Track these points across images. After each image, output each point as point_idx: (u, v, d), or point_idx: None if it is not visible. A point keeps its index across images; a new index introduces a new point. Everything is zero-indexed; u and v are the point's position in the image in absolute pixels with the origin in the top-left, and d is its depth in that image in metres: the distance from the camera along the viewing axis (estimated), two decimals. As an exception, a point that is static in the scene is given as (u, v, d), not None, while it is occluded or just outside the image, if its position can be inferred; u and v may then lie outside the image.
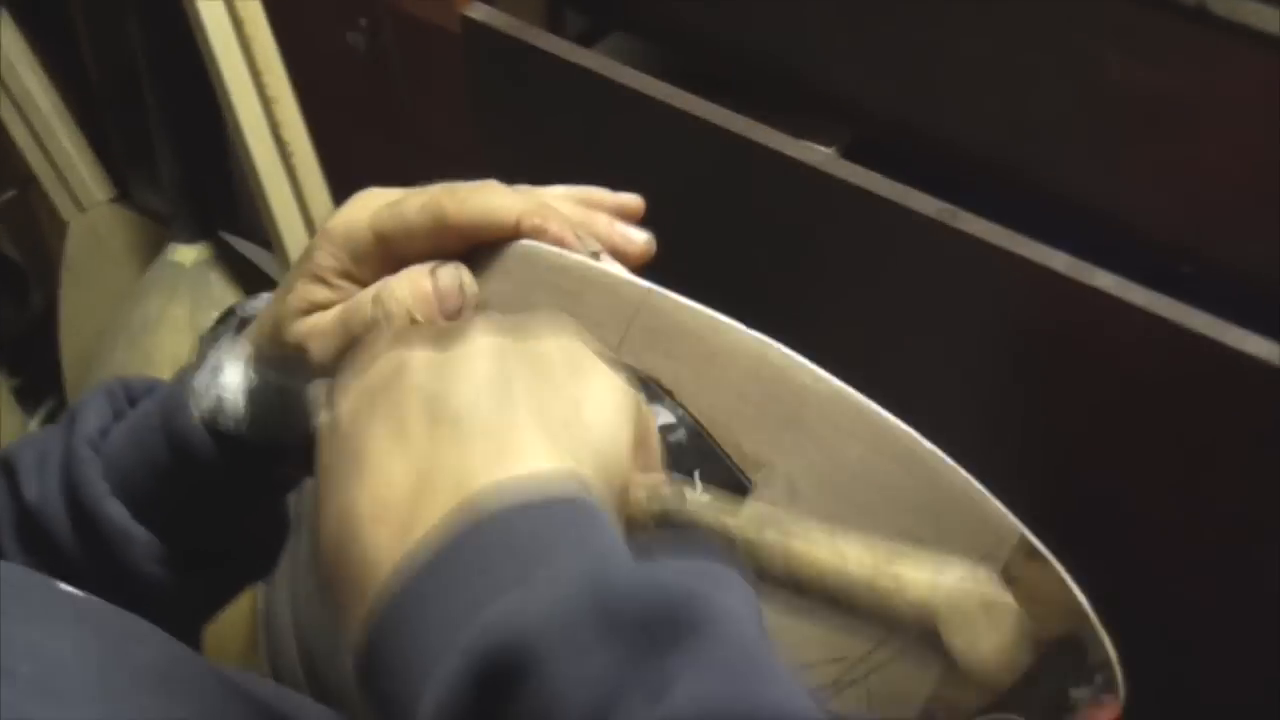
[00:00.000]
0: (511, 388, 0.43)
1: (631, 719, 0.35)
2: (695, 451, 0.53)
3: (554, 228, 0.55)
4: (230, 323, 0.61)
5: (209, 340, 0.62)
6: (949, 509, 0.51)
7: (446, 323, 0.53)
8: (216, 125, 1.30)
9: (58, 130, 1.49)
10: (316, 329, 0.56)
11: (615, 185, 0.62)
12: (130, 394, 0.64)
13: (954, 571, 0.45)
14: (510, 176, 0.59)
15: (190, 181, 1.42)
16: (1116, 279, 0.86)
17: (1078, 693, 0.54)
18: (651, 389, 0.53)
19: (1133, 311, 0.85)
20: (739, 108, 0.97)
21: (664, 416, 0.53)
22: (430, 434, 0.42)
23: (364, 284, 0.56)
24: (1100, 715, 0.55)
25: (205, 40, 1.18)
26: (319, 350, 0.56)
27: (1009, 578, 0.51)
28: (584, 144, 1.04)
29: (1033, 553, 0.51)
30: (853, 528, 0.49)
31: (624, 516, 0.46)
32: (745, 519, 0.46)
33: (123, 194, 1.57)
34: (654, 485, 0.47)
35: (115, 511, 0.60)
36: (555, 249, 0.55)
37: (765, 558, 0.45)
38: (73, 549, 0.61)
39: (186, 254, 1.42)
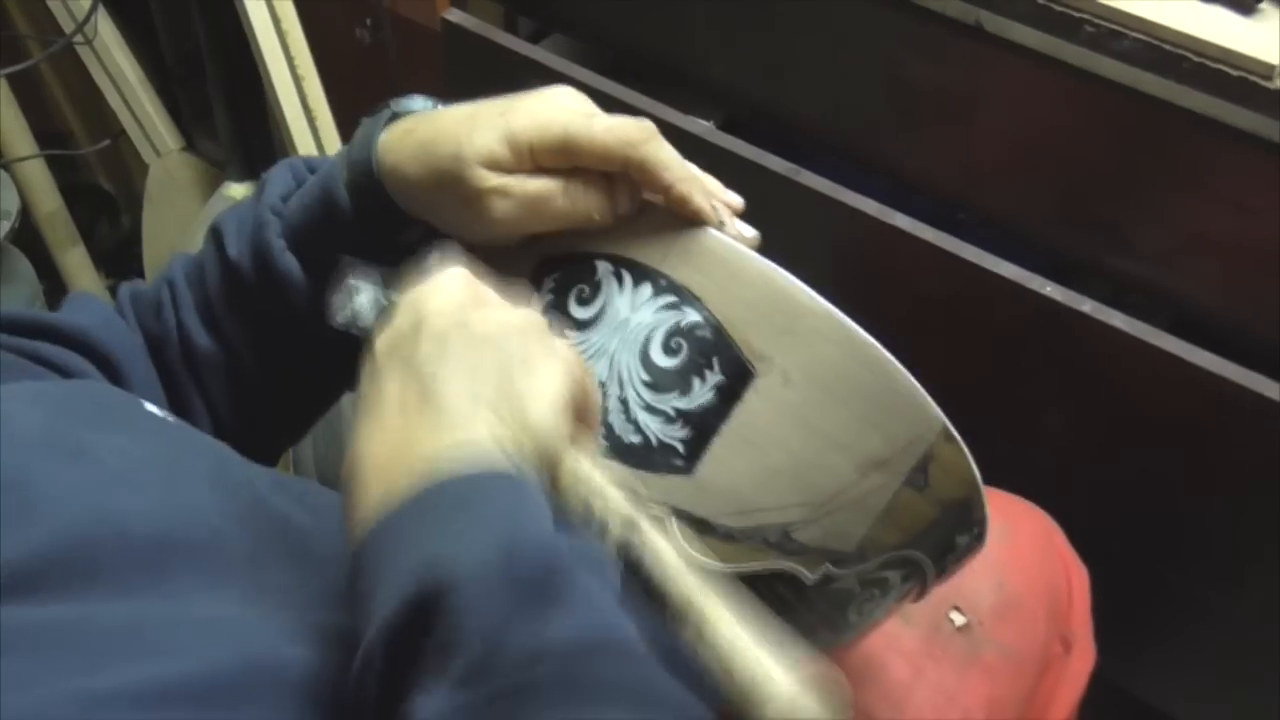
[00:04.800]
0: (482, 389, 0.45)
1: (509, 647, 0.39)
2: (716, 343, 0.55)
3: (698, 200, 0.55)
4: (384, 114, 0.60)
5: (369, 120, 0.60)
6: (896, 401, 0.54)
7: (473, 287, 0.50)
8: (259, 94, 1.37)
9: (141, 97, 1.53)
10: (504, 189, 0.54)
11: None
12: (309, 166, 0.64)
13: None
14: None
15: (239, 136, 1.47)
16: (910, 220, 0.95)
17: (961, 538, 0.58)
18: (684, 295, 0.55)
19: (921, 244, 0.94)
20: (643, 91, 1.04)
21: (693, 316, 0.55)
22: (420, 411, 0.45)
23: (535, 166, 0.55)
24: (971, 556, 0.60)
25: (253, 33, 1.26)
26: (500, 209, 0.54)
27: (931, 454, 0.54)
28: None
29: (949, 436, 0.54)
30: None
31: (556, 483, 0.47)
32: (621, 522, 0.46)
33: (189, 145, 1.62)
34: (576, 469, 0.48)
35: (288, 263, 0.60)
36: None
37: (627, 555, 0.46)
38: (258, 297, 0.61)
39: (237, 190, 1.48)
